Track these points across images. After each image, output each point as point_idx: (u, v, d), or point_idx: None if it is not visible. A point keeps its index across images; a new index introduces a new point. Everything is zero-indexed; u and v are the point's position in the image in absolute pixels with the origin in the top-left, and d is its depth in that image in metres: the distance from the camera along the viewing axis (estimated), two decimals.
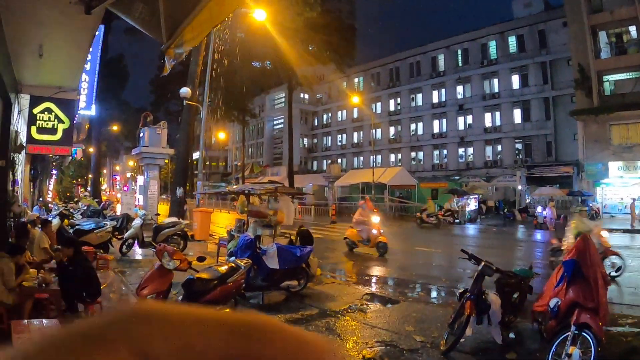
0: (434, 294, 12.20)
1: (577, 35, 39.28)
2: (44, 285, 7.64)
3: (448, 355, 6.94)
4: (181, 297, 7.94)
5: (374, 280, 13.74)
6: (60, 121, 12.61)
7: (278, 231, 14.18)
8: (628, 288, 11.97)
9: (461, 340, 7.02)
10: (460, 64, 57.27)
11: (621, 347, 7.03)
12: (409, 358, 6.94)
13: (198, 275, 7.79)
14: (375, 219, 17.85)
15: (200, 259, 8.16)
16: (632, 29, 37.30)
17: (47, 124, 12.44)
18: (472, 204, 37.67)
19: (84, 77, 24.66)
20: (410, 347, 7.35)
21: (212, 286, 7.76)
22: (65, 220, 16.98)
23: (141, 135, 25.08)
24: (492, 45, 54.03)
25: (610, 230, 26.49)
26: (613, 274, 11.37)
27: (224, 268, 8.22)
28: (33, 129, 12.42)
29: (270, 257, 10.19)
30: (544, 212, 31.09)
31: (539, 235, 27.28)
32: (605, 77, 38.85)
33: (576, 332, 5.89)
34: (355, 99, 53.34)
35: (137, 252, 16.54)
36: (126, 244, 15.96)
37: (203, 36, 4.97)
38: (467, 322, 6.93)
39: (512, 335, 7.74)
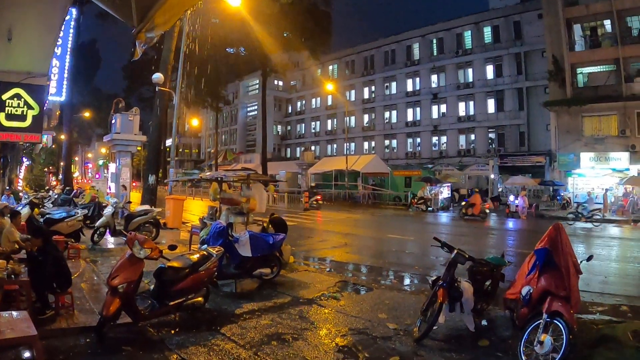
0: (406, 281, 12.24)
1: (552, 28, 39.70)
2: (13, 276, 7.50)
3: (421, 343, 6.96)
4: (153, 286, 7.87)
5: (347, 267, 13.77)
6: (30, 107, 12.40)
7: (251, 219, 14.11)
8: (598, 276, 12.16)
9: (434, 327, 7.05)
10: (435, 53, 57.48)
11: (592, 334, 7.09)
12: (382, 346, 6.94)
13: (170, 264, 7.70)
14: None
15: (172, 248, 8.07)
16: (607, 22, 37.83)
17: (16, 111, 12.22)
18: (445, 192, 37.98)
19: (55, 62, 24.34)
20: (383, 335, 7.36)
21: (183, 275, 7.68)
22: (36, 209, 16.73)
23: (113, 121, 24.73)
24: (467, 35, 54.31)
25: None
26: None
27: (195, 256, 8.13)
28: (2, 115, 12.19)
29: (242, 245, 10.13)
30: (516, 201, 31.48)
31: (511, 224, 27.57)
32: (579, 70, 39.37)
33: (548, 319, 5.93)
34: (330, 87, 53.66)
35: (109, 241, 16.34)
36: (97, 232, 15.76)
37: (175, 20, 4.89)
38: (439, 310, 6.96)
39: (484, 322, 7.80)
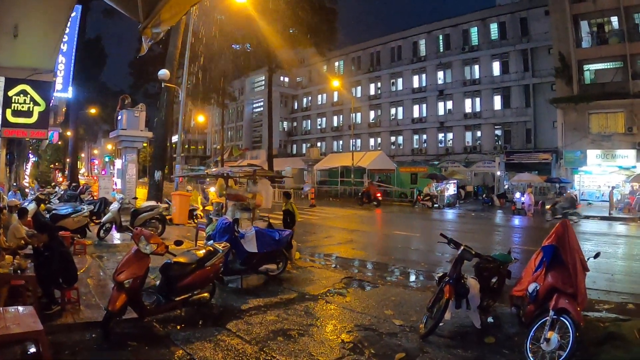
0: (412, 278, 12.22)
1: (559, 24, 39.56)
2: (19, 271, 7.54)
3: (427, 339, 6.95)
4: (159, 281, 7.88)
5: (352, 264, 13.76)
6: (36, 104, 12.43)
7: (256, 214, 14.10)
8: (605, 274, 12.12)
9: (440, 324, 7.04)
10: (441, 49, 57.40)
11: (599, 332, 7.07)
12: (388, 342, 6.93)
13: (176, 260, 7.72)
14: None
15: (178, 243, 8.08)
16: (614, 19, 37.64)
17: (23, 107, 12.24)
18: (451, 189, 37.93)
19: (61, 58, 24.37)
20: (389, 331, 7.36)
21: (189, 270, 7.70)
22: (42, 205, 16.79)
23: (119, 118, 24.80)
24: (474, 32, 54.22)
25: (588, 217, 27.01)
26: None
27: (202, 252, 8.15)
28: (8, 111, 12.22)
29: (248, 241, 10.15)
30: (522, 198, 31.39)
31: (517, 221, 27.49)
32: (586, 66, 39.20)
33: (555, 317, 5.93)
34: (336, 83, 53.53)
35: (115, 237, 16.40)
36: (104, 228, 15.78)
37: (181, 15, 4.87)
38: (446, 306, 6.95)
39: (490, 319, 7.79)
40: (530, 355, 5.97)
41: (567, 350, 5.64)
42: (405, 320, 7.86)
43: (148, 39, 5.00)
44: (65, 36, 17.94)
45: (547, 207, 30.32)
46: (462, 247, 7.48)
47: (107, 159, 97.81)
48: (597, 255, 7.14)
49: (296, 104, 79.33)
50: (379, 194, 36.04)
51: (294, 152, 76.52)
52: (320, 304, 8.92)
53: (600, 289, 10.43)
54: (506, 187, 43.71)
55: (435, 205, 34.76)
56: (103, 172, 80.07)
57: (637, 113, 35.73)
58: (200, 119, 79.13)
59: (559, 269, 6.42)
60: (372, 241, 18.85)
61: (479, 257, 7.71)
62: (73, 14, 23.39)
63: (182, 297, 7.62)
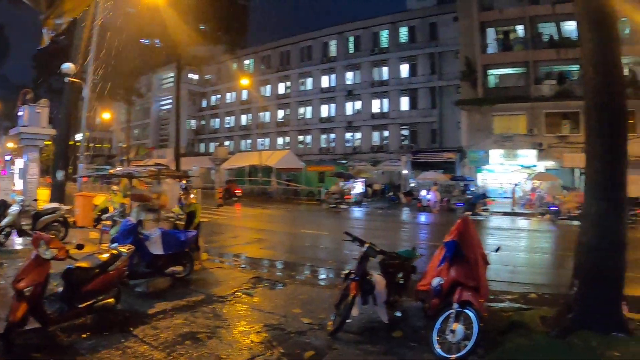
0: (320, 276, 12.35)
1: (467, 30, 41.30)
2: None
3: (335, 336, 6.98)
4: (62, 288, 7.57)
5: (261, 263, 13.74)
6: None
7: (162, 215, 13.83)
8: (508, 267, 12.65)
9: (348, 320, 7.09)
10: (351, 50, 58.34)
11: (503, 321, 7.37)
12: (297, 340, 6.93)
13: (78, 264, 7.38)
14: None
15: (79, 247, 7.74)
16: (519, 27, 39.90)
17: None
18: (358, 187, 38.49)
19: None
20: (298, 330, 7.35)
21: (93, 275, 7.39)
22: None
23: (20, 114, 23.76)
24: (384, 34, 55.44)
25: (493, 213, 28.19)
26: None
27: (105, 255, 7.85)
28: None
29: (153, 243, 9.90)
30: (428, 196, 32.36)
31: (423, 218, 28.19)
32: (490, 71, 41.01)
33: (458, 309, 6.14)
34: (245, 81, 53.44)
35: (16, 242, 15.61)
36: (3, 233, 14.99)
37: (84, 7, 4.73)
38: (352, 303, 7.00)
39: (397, 314, 7.88)
40: (437, 346, 6.13)
41: (472, 340, 5.87)
42: (314, 319, 7.87)
43: (50, 30, 4.83)
44: None
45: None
46: (366, 245, 7.57)
47: (7, 158, 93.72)
48: (497, 249, 7.43)
49: (205, 102, 78.65)
50: (237, 190, 39.61)
51: (202, 151, 75.67)
52: (228, 305, 8.82)
53: (503, 281, 10.94)
54: (412, 185, 44.66)
55: (343, 206, 35.15)
56: (3, 173, 76.60)
57: (538, 116, 37.70)
58: (106, 116, 76.97)
59: (461, 263, 6.65)
60: (280, 240, 18.87)
61: (384, 254, 7.84)
62: None
63: (87, 303, 7.30)
